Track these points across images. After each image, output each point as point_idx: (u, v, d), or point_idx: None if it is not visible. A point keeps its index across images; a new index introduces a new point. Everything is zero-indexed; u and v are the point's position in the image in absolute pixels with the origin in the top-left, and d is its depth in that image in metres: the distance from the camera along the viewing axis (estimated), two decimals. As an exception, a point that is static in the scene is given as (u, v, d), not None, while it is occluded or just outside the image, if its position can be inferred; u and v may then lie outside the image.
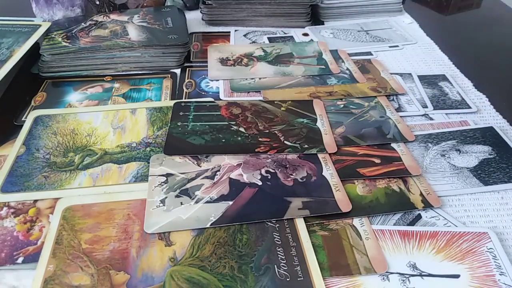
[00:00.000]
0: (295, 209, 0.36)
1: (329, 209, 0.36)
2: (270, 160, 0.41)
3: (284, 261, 0.33)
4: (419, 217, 0.37)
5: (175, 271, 0.32)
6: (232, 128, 0.45)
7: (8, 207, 0.37)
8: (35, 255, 0.33)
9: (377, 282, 0.32)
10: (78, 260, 0.32)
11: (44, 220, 0.36)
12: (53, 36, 0.58)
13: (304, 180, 0.39)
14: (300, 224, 0.35)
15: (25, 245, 0.34)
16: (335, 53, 0.60)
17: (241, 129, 0.45)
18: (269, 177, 0.39)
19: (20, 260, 0.33)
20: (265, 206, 0.37)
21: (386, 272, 0.33)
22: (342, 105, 0.50)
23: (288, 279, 0.31)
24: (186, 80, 0.55)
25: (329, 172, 0.40)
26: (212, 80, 0.55)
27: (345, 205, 0.37)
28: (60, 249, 0.33)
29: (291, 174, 0.40)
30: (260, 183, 0.39)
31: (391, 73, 0.56)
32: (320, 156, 0.42)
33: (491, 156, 0.43)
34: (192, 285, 0.31)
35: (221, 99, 0.51)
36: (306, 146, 0.43)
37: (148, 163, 0.41)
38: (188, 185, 0.39)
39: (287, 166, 0.41)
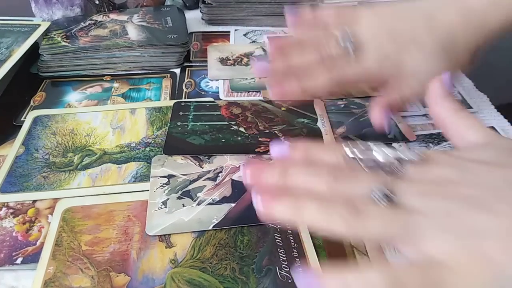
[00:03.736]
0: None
1: None
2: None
3: (286, 263, 0.32)
4: (420, 217, 0.37)
5: (175, 273, 0.32)
6: (232, 128, 0.45)
7: (7, 208, 0.37)
8: (34, 256, 0.33)
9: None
10: (78, 262, 0.32)
11: (43, 221, 0.36)
12: (52, 35, 0.57)
13: (306, 181, 0.39)
14: (302, 225, 0.35)
15: (24, 246, 0.34)
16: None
17: (241, 129, 0.45)
18: None
19: (19, 260, 0.33)
20: (267, 208, 0.36)
21: (388, 273, 0.33)
22: (342, 105, 0.50)
23: (289, 281, 0.31)
24: (186, 80, 0.55)
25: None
26: (212, 80, 0.55)
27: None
28: (60, 251, 0.33)
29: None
30: None
31: (392, 73, 0.56)
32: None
33: (492, 157, 0.43)
34: (193, 287, 0.31)
35: (221, 99, 0.51)
36: (306, 146, 0.43)
37: (148, 163, 0.41)
38: (190, 187, 0.38)
39: (289, 167, 0.40)
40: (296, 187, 0.26)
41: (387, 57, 0.38)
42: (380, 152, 0.26)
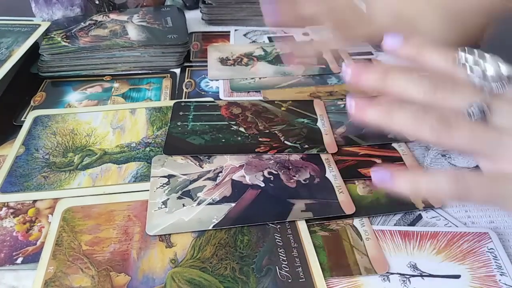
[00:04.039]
0: (298, 211, 0.36)
1: (333, 212, 0.36)
2: (272, 161, 0.41)
3: (286, 262, 0.32)
4: (419, 217, 0.37)
5: (176, 272, 0.32)
6: (232, 128, 0.45)
7: (8, 207, 0.37)
8: (34, 256, 0.33)
9: (378, 283, 0.32)
10: (78, 262, 0.32)
11: (43, 220, 0.36)
12: (52, 35, 0.57)
13: (307, 181, 0.39)
14: (302, 225, 0.35)
15: (24, 246, 0.34)
16: (335, 53, 0.60)
17: (241, 129, 0.45)
18: (271, 179, 0.39)
19: (19, 260, 0.33)
20: (268, 208, 0.37)
21: (387, 272, 0.33)
22: (342, 105, 0.50)
23: (289, 280, 0.31)
24: (186, 80, 0.55)
25: (332, 174, 0.40)
26: (212, 80, 0.55)
27: (348, 207, 0.37)
28: (60, 251, 0.33)
29: (294, 176, 0.40)
30: (262, 184, 0.39)
31: (391, 73, 0.56)
32: (323, 157, 0.42)
33: (492, 157, 0.43)
34: (193, 286, 0.31)
35: (221, 99, 0.51)
36: (306, 146, 0.43)
37: (148, 163, 0.41)
38: (190, 187, 0.38)
39: (290, 167, 0.41)
40: (393, 91, 0.27)
41: (400, 17, 0.39)
42: (493, 65, 0.26)
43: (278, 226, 0.35)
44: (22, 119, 0.47)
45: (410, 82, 0.27)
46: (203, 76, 0.56)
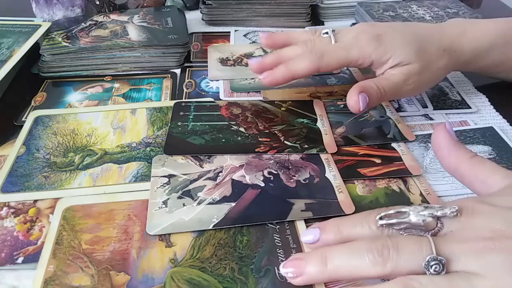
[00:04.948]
0: (298, 211, 0.36)
1: (332, 211, 0.36)
2: (272, 161, 0.41)
3: (285, 262, 0.32)
4: (419, 217, 0.37)
5: (175, 272, 0.32)
6: (232, 128, 0.45)
7: (8, 207, 0.37)
8: (35, 255, 0.33)
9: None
10: (78, 261, 0.32)
11: (44, 220, 0.36)
12: (53, 36, 0.58)
13: (307, 181, 0.39)
14: (301, 226, 0.35)
15: (25, 245, 0.34)
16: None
17: (241, 129, 0.45)
18: (271, 179, 0.39)
19: (20, 260, 0.33)
20: (268, 207, 0.37)
21: (387, 272, 0.33)
22: (342, 105, 0.50)
23: (288, 281, 0.31)
24: (186, 80, 0.55)
25: (332, 174, 0.40)
26: (212, 80, 0.55)
27: (348, 207, 0.37)
28: (60, 250, 0.33)
29: (294, 176, 0.40)
30: (262, 184, 0.39)
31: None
32: (323, 157, 0.42)
33: (491, 156, 0.43)
34: (192, 286, 0.31)
35: (221, 99, 0.51)
36: (306, 146, 0.43)
37: (148, 163, 0.41)
38: (190, 186, 0.39)
39: (290, 167, 0.41)
40: (341, 276, 0.26)
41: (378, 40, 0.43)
42: (413, 213, 0.25)
43: (277, 226, 0.35)
44: (23, 119, 0.47)
45: (353, 261, 0.25)
46: (203, 76, 0.56)
